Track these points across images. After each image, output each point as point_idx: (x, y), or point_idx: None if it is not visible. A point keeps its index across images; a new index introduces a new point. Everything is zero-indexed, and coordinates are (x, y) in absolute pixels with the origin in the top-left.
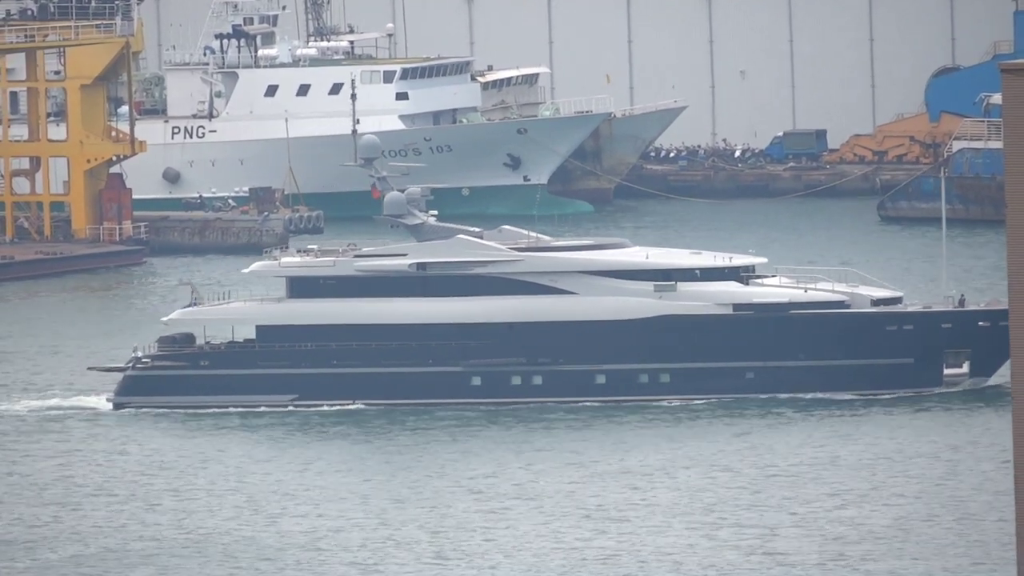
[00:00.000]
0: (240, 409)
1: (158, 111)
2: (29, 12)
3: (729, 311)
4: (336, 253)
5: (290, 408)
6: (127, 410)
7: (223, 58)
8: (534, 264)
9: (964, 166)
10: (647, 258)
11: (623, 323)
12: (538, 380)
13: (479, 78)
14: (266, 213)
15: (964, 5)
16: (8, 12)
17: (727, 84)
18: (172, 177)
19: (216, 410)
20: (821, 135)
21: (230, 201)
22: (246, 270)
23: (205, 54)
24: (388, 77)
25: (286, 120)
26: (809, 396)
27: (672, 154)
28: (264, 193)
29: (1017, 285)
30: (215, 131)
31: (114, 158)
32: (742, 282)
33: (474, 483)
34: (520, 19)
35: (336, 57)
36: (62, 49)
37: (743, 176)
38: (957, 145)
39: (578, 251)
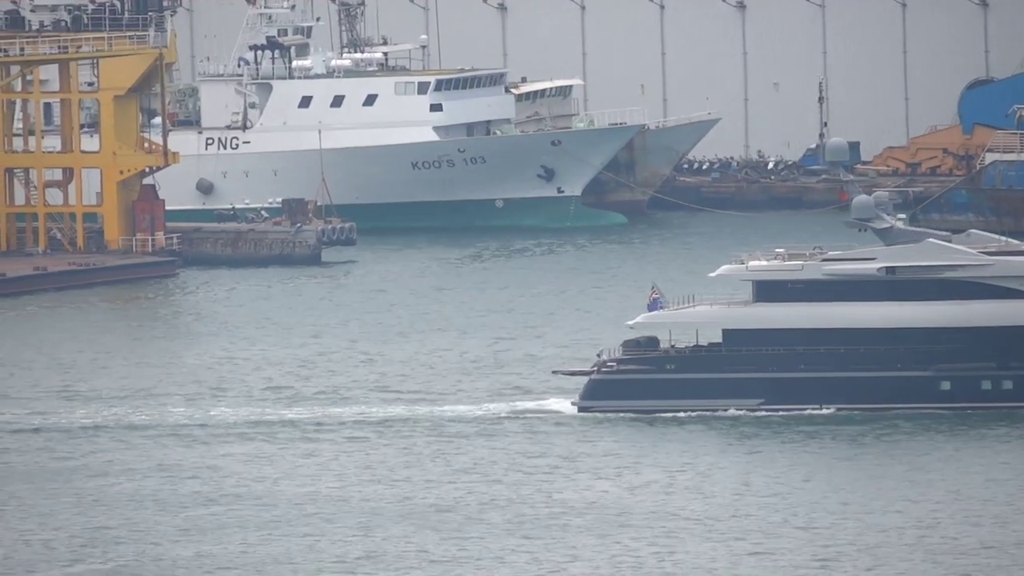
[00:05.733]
0: (705, 413)
1: (192, 122)
2: (63, 23)
3: None
4: (804, 257)
5: (757, 413)
6: (592, 414)
7: (257, 69)
8: (1006, 268)
9: (997, 178)
10: None
11: None
12: (1008, 385)
13: (513, 90)
14: (299, 224)
15: (998, 17)
16: (42, 23)
17: (760, 96)
18: (205, 188)
19: (681, 414)
20: (854, 147)
21: (263, 212)
22: (713, 274)
23: (239, 65)
24: (422, 88)
25: (319, 131)
26: None
27: (705, 166)
28: (297, 204)
29: None
30: (248, 142)
31: (147, 169)
32: None
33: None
34: (554, 31)
35: (370, 68)
36: (95, 60)
37: (776, 188)
38: (990, 157)
39: None
